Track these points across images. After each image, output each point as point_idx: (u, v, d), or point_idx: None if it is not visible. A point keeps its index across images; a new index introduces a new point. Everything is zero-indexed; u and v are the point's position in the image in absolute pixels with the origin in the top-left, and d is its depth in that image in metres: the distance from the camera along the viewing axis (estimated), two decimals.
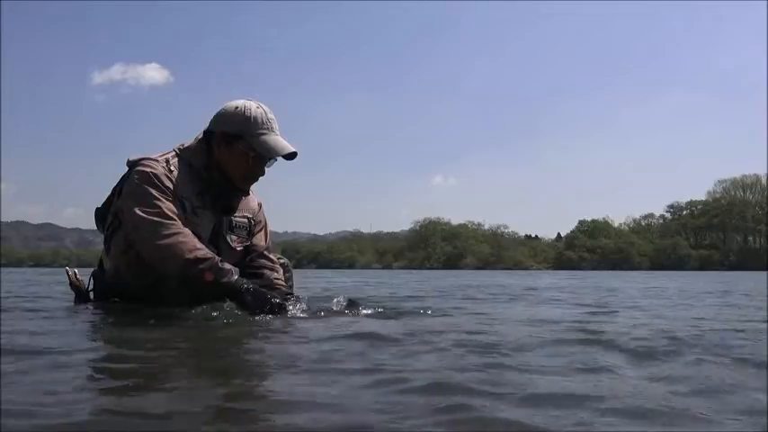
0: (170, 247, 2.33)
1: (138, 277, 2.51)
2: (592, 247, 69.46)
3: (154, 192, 2.39)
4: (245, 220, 2.66)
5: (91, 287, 2.77)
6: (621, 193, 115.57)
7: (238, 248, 2.63)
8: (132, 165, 2.52)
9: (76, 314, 2.60)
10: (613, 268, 56.51)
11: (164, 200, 2.39)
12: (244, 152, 2.51)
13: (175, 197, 2.43)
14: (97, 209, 2.66)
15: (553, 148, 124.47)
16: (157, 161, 2.48)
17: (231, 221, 2.61)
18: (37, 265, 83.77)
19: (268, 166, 2.60)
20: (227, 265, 2.37)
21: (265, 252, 2.73)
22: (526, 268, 60.26)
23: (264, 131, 2.51)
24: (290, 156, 2.57)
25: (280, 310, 2.33)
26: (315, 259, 76.62)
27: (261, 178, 2.62)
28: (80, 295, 2.82)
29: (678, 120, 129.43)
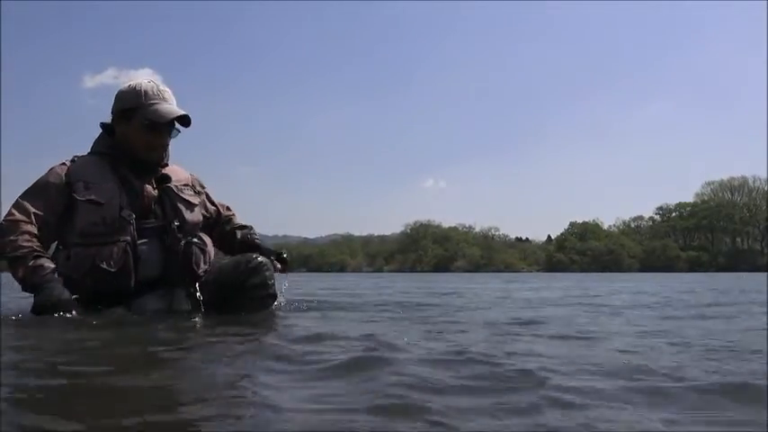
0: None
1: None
2: (582, 250, 69.66)
3: (24, 200, 2.59)
4: (185, 186, 2.88)
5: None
6: (611, 195, 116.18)
7: (196, 201, 2.87)
8: None
9: None
10: (603, 270, 56.73)
11: (27, 203, 2.57)
12: (140, 122, 2.70)
13: (67, 183, 2.60)
14: None
15: (543, 151, 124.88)
16: (63, 161, 2.70)
17: (175, 187, 2.80)
18: None
19: (173, 137, 2.80)
20: (40, 263, 2.47)
21: (224, 216, 3.08)
22: (517, 270, 60.35)
23: (156, 101, 2.72)
24: (184, 121, 2.75)
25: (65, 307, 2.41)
26: (305, 263, 76.41)
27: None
28: None
29: (666, 123, 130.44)
